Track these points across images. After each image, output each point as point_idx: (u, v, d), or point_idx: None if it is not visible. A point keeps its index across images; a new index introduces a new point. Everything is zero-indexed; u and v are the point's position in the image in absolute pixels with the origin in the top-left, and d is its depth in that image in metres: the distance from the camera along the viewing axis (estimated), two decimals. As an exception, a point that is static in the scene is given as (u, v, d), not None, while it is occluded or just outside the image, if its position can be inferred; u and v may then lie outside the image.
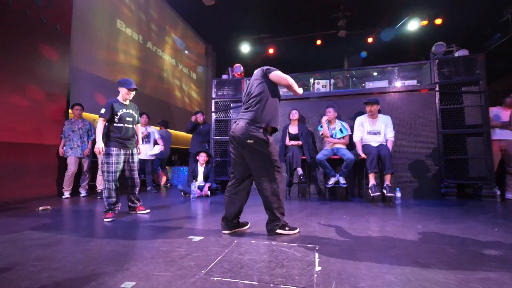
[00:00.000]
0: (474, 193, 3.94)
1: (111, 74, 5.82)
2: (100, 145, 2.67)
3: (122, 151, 2.83)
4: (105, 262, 1.52)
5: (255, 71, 2.17)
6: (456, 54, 4.06)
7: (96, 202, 3.85)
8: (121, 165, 2.82)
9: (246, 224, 2.28)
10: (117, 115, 2.79)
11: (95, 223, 2.53)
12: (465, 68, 3.94)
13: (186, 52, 9.46)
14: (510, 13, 6.68)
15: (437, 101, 3.93)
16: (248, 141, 1.97)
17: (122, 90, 2.87)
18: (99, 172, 4.33)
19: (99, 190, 4.30)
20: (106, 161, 2.74)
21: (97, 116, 5.09)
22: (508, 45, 6.74)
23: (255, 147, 1.98)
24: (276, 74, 2.05)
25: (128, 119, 2.87)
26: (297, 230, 2.12)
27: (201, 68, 10.29)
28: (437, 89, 3.95)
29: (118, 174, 2.80)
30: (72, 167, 4.25)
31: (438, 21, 7.69)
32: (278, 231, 2.06)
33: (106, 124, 2.79)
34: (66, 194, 4.21)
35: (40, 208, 3.20)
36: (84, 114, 4.62)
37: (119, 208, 2.83)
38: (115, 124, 2.79)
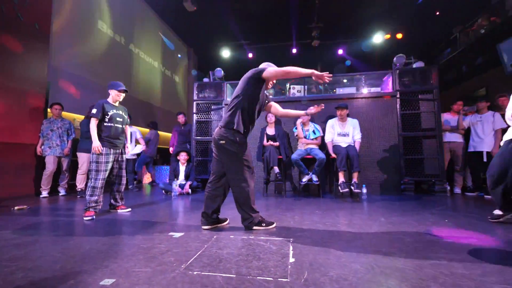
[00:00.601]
0: (428, 188, 4.21)
1: (92, 74, 5.51)
2: (96, 143, 2.61)
3: (112, 150, 2.76)
4: (84, 260, 1.44)
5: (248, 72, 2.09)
6: (414, 65, 4.31)
7: (76, 201, 3.62)
8: (110, 164, 2.74)
9: (225, 220, 2.26)
10: (107, 115, 2.74)
11: (75, 222, 2.38)
12: (421, 78, 4.19)
13: (179, 56, 9.24)
14: (458, 31, 7.24)
15: (398, 106, 4.15)
16: (220, 141, 1.99)
17: (112, 92, 2.84)
18: (79, 171, 4.08)
19: (79, 189, 4.05)
20: (95, 160, 2.64)
21: (77, 115, 4.89)
22: (457, 59, 7.29)
23: (227, 147, 1.98)
24: (269, 71, 1.96)
25: (118, 119, 2.82)
26: (274, 225, 2.13)
27: (194, 71, 10.08)
28: (398, 96, 4.16)
29: (107, 173, 2.72)
30: (50, 166, 3.97)
31: (399, 36, 8.13)
32: (255, 227, 2.06)
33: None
34: (44, 193, 3.92)
35: (16, 207, 2.95)
36: (64, 113, 4.34)
37: (100, 207, 2.69)
38: (105, 124, 2.73)
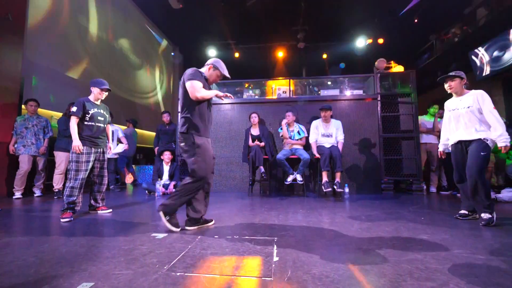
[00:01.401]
0: (406, 188, 4.39)
1: (70, 70, 5.27)
2: (77, 143, 2.51)
3: (93, 150, 2.65)
4: (61, 263, 1.37)
5: (184, 73, 2.09)
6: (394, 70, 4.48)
7: (53, 201, 3.45)
8: (91, 164, 2.64)
9: (210, 220, 2.23)
10: (88, 113, 2.64)
11: (51, 224, 2.27)
12: (400, 82, 4.37)
13: (173, 54, 9.01)
14: (434, 38, 7.61)
15: (378, 109, 4.30)
16: (181, 144, 2.06)
17: (95, 90, 2.72)
18: (56, 170, 3.89)
19: (56, 190, 3.85)
20: (76, 160, 2.53)
21: (54, 112, 4.65)
22: (433, 64, 7.66)
23: (185, 148, 2.03)
24: (190, 84, 1.98)
25: (99, 118, 2.72)
26: (212, 222, 2.19)
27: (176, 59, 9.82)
28: (378, 98, 4.31)
29: (87, 172, 2.61)
30: (24, 165, 3.75)
31: (381, 41, 8.42)
32: (189, 227, 2.05)
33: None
34: (18, 194, 3.70)
35: (-15, 210, 2.77)
36: (40, 110, 4.11)
37: (78, 208, 2.57)
38: (86, 123, 2.63)
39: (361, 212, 2.71)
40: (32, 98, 3.94)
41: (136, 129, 5.92)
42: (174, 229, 1.97)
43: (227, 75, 2.18)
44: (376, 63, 4.48)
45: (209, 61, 2.19)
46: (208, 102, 2.14)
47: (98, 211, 2.76)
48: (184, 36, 9.26)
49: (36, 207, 3.10)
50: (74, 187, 2.50)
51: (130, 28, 7.53)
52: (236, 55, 9.58)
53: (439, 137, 4.31)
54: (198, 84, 1.99)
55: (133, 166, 6.02)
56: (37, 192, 3.94)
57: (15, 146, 3.78)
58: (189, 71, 2.06)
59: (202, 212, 2.12)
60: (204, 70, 2.18)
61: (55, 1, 4.94)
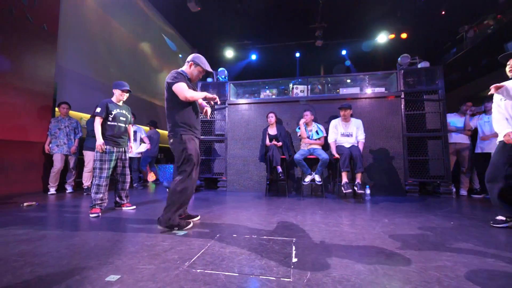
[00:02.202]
0: (433, 190, 4.15)
1: (98, 74, 5.57)
2: (100, 142, 2.65)
3: (115, 149, 2.79)
4: (90, 256, 1.45)
5: (167, 77, 2.12)
6: (419, 66, 4.26)
7: (82, 198, 3.67)
8: (113, 162, 2.77)
9: (196, 216, 2.35)
10: (111, 114, 2.77)
11: (81, 219, 2.41)
12: (426, 78, 4.14)
13: (180, 56, 9.26)
14: (464, 30, 7.13)
15: (402, 107, 4.11)
16: (169, 141, 2.13)
17: (116, 92, 2.87)
18: (85, 169, 4.13)
19: (85, 186, 4.10)
20: (99, 158, 2.68)
21: (84, 114, 4.94)
22: (462, 58, 7.18)
23: (173, 147, 2.11)
24: (177, 87, 2.02)
25: (121, 118, 2.86)
26: (189, 226, 2.05)
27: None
28: (402, 96, 4.12)
29: (111, 171, 2.75)
30: (58, 164, 4.03)
31: (404, 35, 8.04)
32: (161, 227, 2.00)
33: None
34: (52, 190, 3.98)
35: (25, 204, 3.00)
36: (71, 112, 4.39)
37: (105, 204, 2.72)
38: (109, 123, 2.76)
39: (383, 214, 2.60)
40: (64, 101, 4.22)
41: (158, 130, 6.13)
42: (189, 227, 2.05)
43: (209, 69, 2.21)
44: (399, 59, 4.29)
45: (189, 58, 2.20)
46: (194, 104, 2.17)
47: (123, 208, 2.90)
48: (202, 38, 9.44)
49: (67, 203, 3.32)
50: (99, 184, 2.65)
51: (151, 32, 7.82)
52: (253, 56, 9.61)
53: (470, 136, 4.07)
54: (183, 85, 2.03)
55: (155, 165, 6.25)
56: (69, 189, 4.21)
57: (50, 145, 4.06)
58: (170, 74, 2.09)
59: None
60: (185, 68, 2.21)
61: (84, 11, 5.25)
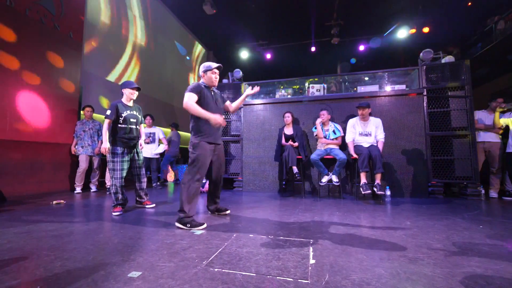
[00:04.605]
0: (460, 192, 3.93)
1: (119, 78, 5.82)
2: (106, 145, 2.68)
3: (127, 150, 2.82)
4: (113, 253, 1.52)
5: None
6: (443, 61, 4.05)
7: (106, 197, 3.84)
8: (126, 163, 2.80)
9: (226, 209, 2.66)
10: (121, 116, 2.77)
11: (104, 217, 2.53)
12: (451, 74, 3.93)
13: (188, 58, 9.47)
14: (494, 22, 6.68)
15: (425, 104, 3.92)
16: (189, 147, 2.33)
17: (126, 91, 2.87)
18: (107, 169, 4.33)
19: (108, 186, 4.29)
20: (112, 160, 2.73)
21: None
22: (491, 52, 6.74)
23: (189, 149, 2.30)
24: (185, 96, 2.20)
25: (132, 120, 2.86)
26: (203, 226, 2.09)
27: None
28: (425, 93, 3.94)
29: (124, 172, 2.78)
30: (83, 164, 4.25)
31: (426, 30, 7.69)
32: (177, 223, 2.12)
33: (111, 124, 2.76)
34: (78, 189, 4.20)
35: (54, 202, 3.20)
36: (95, 115, 4.62)
37: (126, 203, 2.83)
38: (119, 125, 2.77)
39: (405, 216, 2.50)
40: (88, 105, 4.45)
41: (179, 132, 6.30)
42: (201, 227, 2.08)
43: (216, 65, 2.36)
44: (421, 54, 4.10)
45: (199, 71, 2.44)
46: (211, 110, 2.24)
47: (145, 206, 3.01)
48: (217, 40, 9.58)
49: (92, 201, 3.49)
50: (116, 185, 2.72)
51: (168, 35, 8.03)
52: (268, 56, 9.60)
53: (499, 134, 3.80)
54: (189, 95, 2.20)
55: (175, 165, 6.42)
56: (93, 188, 4.43)
57: (76, 147, 4.30)
58: (191, 85, 2.29)
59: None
60: (202, 80, 2.42)
61: (106, 19, 5.50)
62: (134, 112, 2.92)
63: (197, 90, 2.23)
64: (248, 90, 2.53)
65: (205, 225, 2.11)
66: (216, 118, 2.12)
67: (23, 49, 3.83)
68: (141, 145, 3.01)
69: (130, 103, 2.93)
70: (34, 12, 3.99)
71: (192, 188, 2.17)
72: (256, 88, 2.53)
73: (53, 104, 4.25)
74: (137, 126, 2.95)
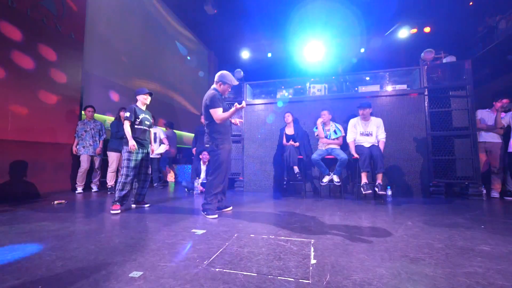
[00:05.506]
0: (461, 192, 3.91)
1: (120, 77, 5.82)
2: (132, 142, 2.84)
3: (141, 150, 2.96)
4: (114, 252, 1.52)
5: (205, 95, 2.61)
6: (444, 61, 4.04)
7: (107, 197, 3.84)
8: (139, 162, 2.95)
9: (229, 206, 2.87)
10: (138, 118, 2.97)
11: (105, 216, 2.53)
12: (453, 74, 3.92)
13: (188, 58, 9.48)
14: (496, 21, 6.66)
15: (426, 104, 3.91)
16: (206, 145, 2.69)
17: (140, 97, 3.07)
18: (109, 169, 4.33)
19: (109, 186, 4.29)
20: (127, 158, 2.86)
21: (107, 117, 5.19)
22: (492, 52, 6.71)
23: (210, 153, 2.65)
24: (213, 112, 2.53)
25: (146, 122, 3.07)
26: (215, 216, 2.46)
27: (201, 73, 10.28)
28: (426, 93, 3.93)
29: (137, 170, 2.93)
30: (84, 164, 4.25)
31: (427, 29, 7.67)
32: (202, 211, 2.55)
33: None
34: (79, 189, 4.21)
35: (56, 202, 3.21)
36: (96, 115, 4.62)
37: (127, 202, 2.87)
38: (136, 126, 2.97)
39: (406, 216, 2.50)
40: (89, 105, 4.45)
41: (174, 131, 6.30)
42: (214, 216, 2.47)
43: (235, 83, 2.71)
44: (422, 54, 4.09)
45: (217, 78, 2.68)
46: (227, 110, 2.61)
47: (144, 206, 3.05)
48: (218, 40, 9.57)
49: (93, 201, 3.49)
50: (126, 182, 2.80)
51: (169, 34, 8.04)
52: (269, 54, 9.59)
53: (501, 135, 3.79)
54: (218, 111, 2.53)
55: (173, 165, 6.43)
56: (94, 188, 4.44)
57: (77, 147, 4.30)
58: (208, 96, 2.56)
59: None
60: (216, 86, 2.68)
61: (107, 20, 5.51)
62: (148, 116, 3.13)
63: (219, 102, 2.55)
64: (236, 105, 2.49)
65: (216, 216, 2.47)
66: (239, 105, 2.43)
67: (24, 49, 3.83)
68: (152, 148, 3.21)
69: (144, 108, 3.11)
70: (36, 12, 4.00)
71: (216, 184, 2.59)
72: (243, 104, 2.52)
73: (54, 104, 4.25)
74: (150, 129, 3.16)
